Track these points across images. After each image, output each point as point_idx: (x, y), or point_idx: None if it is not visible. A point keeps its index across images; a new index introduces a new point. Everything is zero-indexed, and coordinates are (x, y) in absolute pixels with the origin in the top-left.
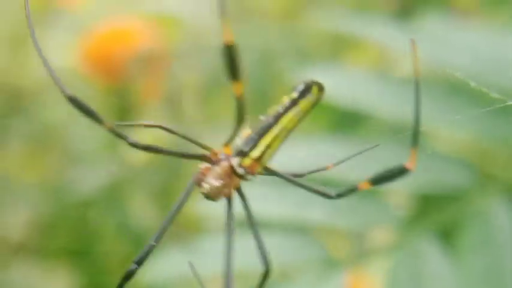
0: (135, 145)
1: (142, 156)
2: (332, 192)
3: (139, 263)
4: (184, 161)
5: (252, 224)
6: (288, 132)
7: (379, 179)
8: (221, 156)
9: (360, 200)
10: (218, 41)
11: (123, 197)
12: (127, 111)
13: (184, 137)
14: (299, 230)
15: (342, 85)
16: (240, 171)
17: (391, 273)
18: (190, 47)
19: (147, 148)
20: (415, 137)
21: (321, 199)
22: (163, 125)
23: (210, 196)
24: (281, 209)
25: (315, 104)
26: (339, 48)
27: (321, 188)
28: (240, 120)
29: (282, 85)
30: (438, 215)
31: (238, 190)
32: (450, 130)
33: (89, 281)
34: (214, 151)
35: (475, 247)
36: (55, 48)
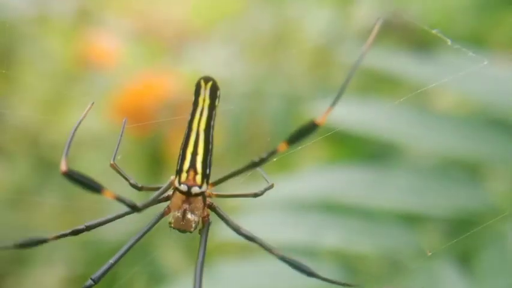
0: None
1: None
2: (256, 158)
3: (97, 280)
4: None
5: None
6: (205, 132)
7: (294, 137)
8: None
9: (377, 224)
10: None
11: (151, 243)
12: (159, 159)
13: None
14: (315, 254)
15: (366, 117)
16: (183, 187)
17: None
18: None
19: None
20: (336, 99)
21: (334, 224)
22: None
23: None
24: (297, 234)
25: (213, 96)
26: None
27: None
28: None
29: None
30: (457, 240)
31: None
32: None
33: None
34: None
35: (493, 269)
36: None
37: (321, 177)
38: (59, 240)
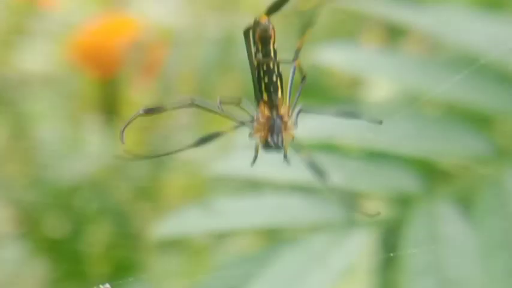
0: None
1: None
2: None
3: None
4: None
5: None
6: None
7: (272, 8)
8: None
9: (381, 165)
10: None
11: (107, 185)
12: (118, 103)
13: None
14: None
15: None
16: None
17: (408, 234)
18: (187, 36)
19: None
20: None
21: (338, 164)
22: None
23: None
24: (301, 173)
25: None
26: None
27: None
28: None
29: None
30: (453, 184)
31: None
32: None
33: (68, 268)
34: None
35: (491, 211)
36: (42, 45)
37: (320, 120)
38: (7, 178)
